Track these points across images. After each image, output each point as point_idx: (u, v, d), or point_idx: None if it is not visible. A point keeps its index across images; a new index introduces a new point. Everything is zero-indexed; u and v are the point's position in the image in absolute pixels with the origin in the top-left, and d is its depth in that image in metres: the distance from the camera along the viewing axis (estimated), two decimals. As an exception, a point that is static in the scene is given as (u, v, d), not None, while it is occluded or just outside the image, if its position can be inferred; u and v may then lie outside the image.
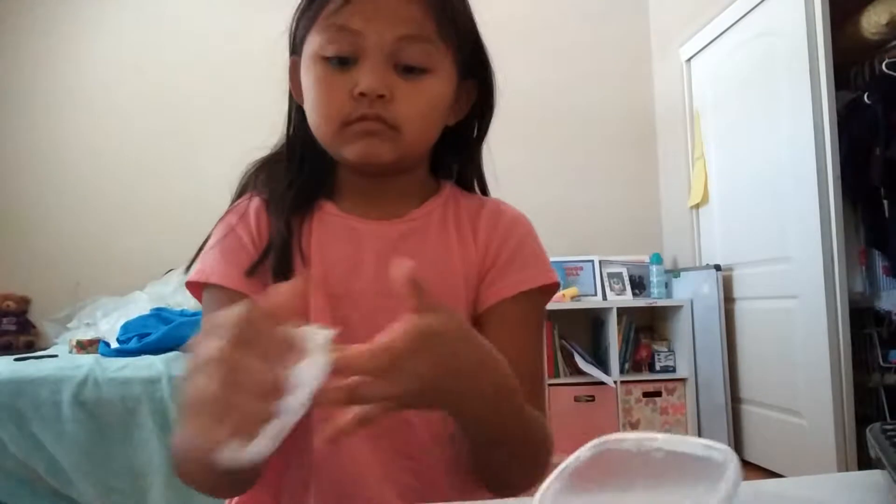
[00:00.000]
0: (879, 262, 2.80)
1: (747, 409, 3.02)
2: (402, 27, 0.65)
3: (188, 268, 0.72)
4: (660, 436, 0.39)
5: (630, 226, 3.76)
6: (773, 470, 2.82)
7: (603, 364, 3.33)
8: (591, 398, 3.22)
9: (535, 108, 3.75)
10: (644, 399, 3.27)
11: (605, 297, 3.51)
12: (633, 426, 3.24)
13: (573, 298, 3.40)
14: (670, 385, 3.29)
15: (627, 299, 3.50)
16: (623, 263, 3.62)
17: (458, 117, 0.76)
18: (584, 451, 0.40)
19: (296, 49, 0.72)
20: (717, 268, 3.11)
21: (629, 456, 0.40)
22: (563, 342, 3.34)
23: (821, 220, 2.52)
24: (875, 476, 0.49)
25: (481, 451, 0.59)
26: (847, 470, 2.42)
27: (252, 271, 0.69)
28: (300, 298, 0.41)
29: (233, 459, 0.34)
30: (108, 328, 2.60)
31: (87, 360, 2.15)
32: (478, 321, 0.71)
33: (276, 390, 0.38)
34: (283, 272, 0.69)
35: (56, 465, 1.92)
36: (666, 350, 3.40)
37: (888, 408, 2.70)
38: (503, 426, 0.56)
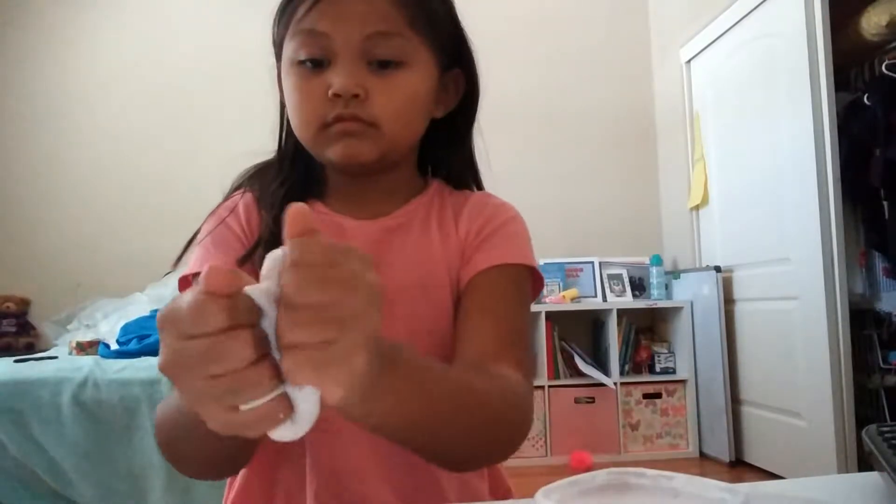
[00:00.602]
0: (879, 264, 2.80)
1: (747, 411, 3.02)
2: (369, 25, 0.65)
3: (178, 260, 0.71)
4: (677, 475, 0.39)
5: (630, 227, 3.76)
6: (773, 471, 2.82)
7: (603, 365, 3.33)
8: (591, 400, 3.22)
9: (536, 110, 3.76)
10: (644, 400, 3.27)
11: (605, 299, 3.51)
12: (633, 427, 3.24)
13: (573, 300, 3.40)
14: (670, 386, 3.29)
15: (627, 301, 3.50)
16: (623, 265, 3.62)
17: (447, 108, 0.75)
18: (600, 475, 0.40)
19: (279, 55, 0.73)
20: (717, 269, 3.11)
21: (642, 489, 0.40)
22: (563, 343, 3.35)
23: (821, 222, 2.52)
24: (874, 477, 0.49)
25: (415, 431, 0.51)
26: (847, 471, 2.42)
27: (244, 261, 0.69)
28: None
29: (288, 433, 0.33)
30: (108, 330, 2.60)
31: (87, 361, 2.15)
32: (459, 300, 0.71)
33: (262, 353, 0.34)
34: None
35: (56, 467, 1.92)
36: (666, 351, 3.40)
37: (888, 409, 2.70)
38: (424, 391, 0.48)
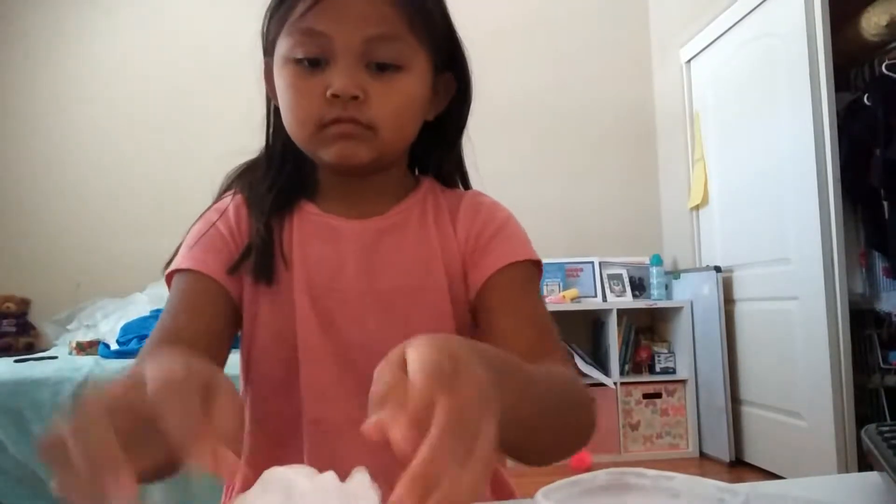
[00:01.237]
0: (879, 264, 2.80)
1: (747, 411, 3.02)
2: (370, 28, 0.64)
3: (168, 264, 0.71)
4: (677, 476, 0.39)
5: (630, 227, 3.76)
6: (773, 471, 2.82)
7: (603, 365, 3.33)
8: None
9: (536, 110, 3.76)
10: (644, 400, 3.27)
11: (605, 299, 3.51)
12: (633, 427, 3.24)
13: (573, 300, 3.40)
14: (670, 386, 3.29)
15: (627, 301, 3.50)
16: (623, 265, 3.62)
17: (437, 111, 0.75)
18: (600, 475, 0.40)
19: (268, 50, 0.72)
20: (717, 269, 3.11)
21: (642, 489, 0.40)
22: (563, 343, 3.34)
23: (821, 222, 2.52)
24: (874, 477, 0.49)
25: (528, 437, 0.50)
26: (847, 471, 2.42)
27: (233, 270, 0.69)
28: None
29: None
30: (108, 330, 2.60)
31: (87, 361, 2.15)
32: (477, 303, 0.71)
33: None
34: (265, 274, 0.69)
35: (56, 467, 1.92)
36: (666, 351, 3.40)
37: (888, 409, 2.70)
38: (540, 399, 0.49)
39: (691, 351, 3.26)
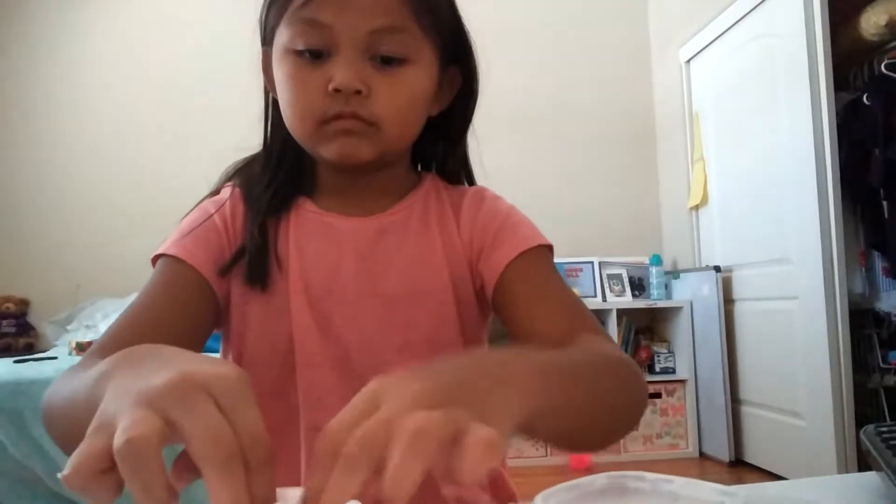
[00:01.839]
0: (879, 264, 2.80)
1: (747, 411, 3.02)
2: (375, 19, 0.61)
3: (156, 258, 0.68)
4: (676, 479, 0.39)
5: (630, 227, 3.76)
6: (773, 471, 2.82)
7: (603, 365, 3.33)
8: (591, 399, 3.22)
9: (536, 110, 3.76)
10: (644, 400, 3.26)
11: (604, 299, 3.51)
12: (633, 427, 3.24)
13: (573, 300, 3.40)
14: (670, 386, 3.29)
15: (627, 300, 3.50)
16: (623, 265, 3.62)
17: (441, 106, 0.73)
18: (599, 478, 0.40)
19: (267, 39, 0.68)
20: (717, 269, 3.11)
21: (642, 493, 0.40)
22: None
23: (820, 222, 2.52)
24: (872, 477, 0.49)
25: (571, 427, 0.49)
26: (847, 471, 2.42)
27: (225, 272, 0.67)
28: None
29: None
30: (108, 330, 2.60)
31: (87, 361, 2.14)
32: (497, 298, 0.68)
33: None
34: (258, 279, 0.67)
35: (56, 467, 1.92)
36: (666, 351, 3.40)
37: (888, 409, 2.70)
38: (574, 387, 0.47)
39: (691, 351, 3.26)
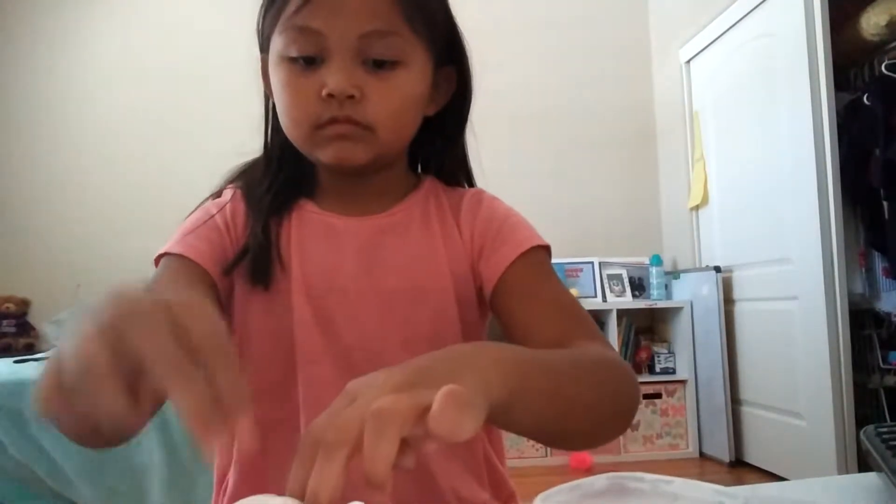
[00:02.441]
0: (879, 264, 2.80)
1: (747, 411, 3.02)
2: (365, 24, 0.62)
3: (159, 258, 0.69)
4: (676, 480, 0.40)
5: (630, 227, 3.76)
6: (773, 472, 2.82)
7: (603, 365, 3.33)
8: (591, 400, 3.22)
9: (536, 110, 3.76)
10: (644, 401, 3.26)
11: (604, 299, 3.51)
12: (633, 428, 3.24)
13: (573, 300, 3.40)
14: (670, 387, 3.29)
15: (627, 301, 3.50)
16: (623, 265, 3.62)
17: (438, 106, 0.73)
18: (599, 479, 0.40)
19: (263, 47, 0.70)
20: (717, 269, 3.11)
21: (641, 493, 0.40)
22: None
23: (820, 222, 2.52)
24: (872, 478, 0.49)
25: (549, 422, 0.49)
26: (847, 471, 2.42)
27: (228, 271, 0.68)
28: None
29: None
30: (108, 330, 2.60)
31: (87, 361, 2.14)
32: (495, 300, 0.69)
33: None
34: (261, 278, 0.68)
35: (56, 467, 1.92)
36: (666, 352, 3.40)
37: (888, 409, 2.70)
38: (551, 381, 0.48)
39: (691, 351, 3.26)
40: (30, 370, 2.07)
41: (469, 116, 0.77)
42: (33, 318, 3.42)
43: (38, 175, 3.55)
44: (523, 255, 0.68)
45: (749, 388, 3.01)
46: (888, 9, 2.63)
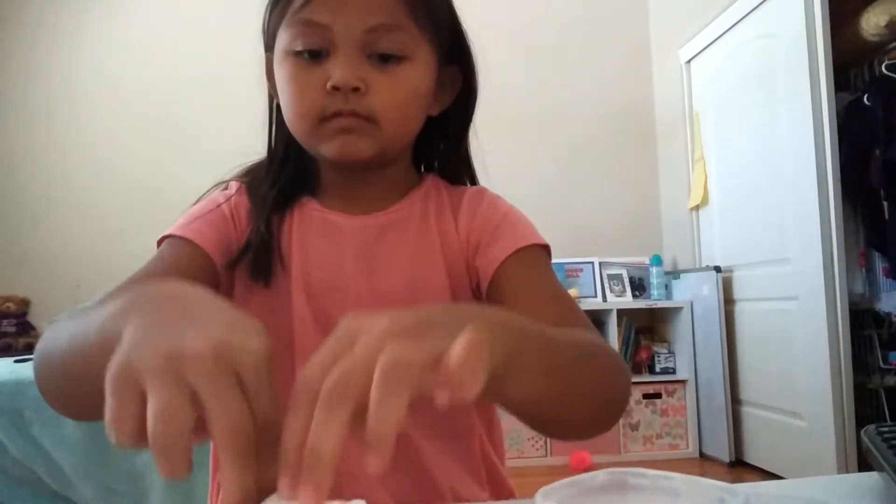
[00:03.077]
0: (879, 264, 2.80)
1: (747, 411, 3.02)
2: (371, 17, 0.63)
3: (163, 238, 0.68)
4: (677, 476, 0.39)
5: (630, 227, 3.76)
6: (773, 471, 2.82)
7: (603, 365, 3.33)
8: (592, 400, 3.22)
9: (536, 110, 3.76)
10: (644, 401, 3.26)
11: (605, 299, 3.51)
12: (633, 428, 3.24)
13: (573, 300, 3.40)
14: (670, 387, 3.29)
15: (627, 301, 3.50)
16: (623, 265, 3.62)
17: (442, 106, 0.74)
18: (599, 475, 0.40)
19: (269, 45, 0.70)
20: (717, 269, 3.11)
21: (642, 489, 0.40)
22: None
23: (821, 222, 2.52)
24: (873, 477, 0.49)
25: (546, 403, 0.47)
26: (847, 471, 2.42)
27: (231, 266, 0.68)
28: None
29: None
30: (108, 330, 2.60)
31: (87, 361, 2.14)
32: (490, 294, 0.69)
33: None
34: (262, 274, 0.68)
35: (56, 467, 1.92)
36: (666, 352, 3.40)
37: (888, 409, 2.70)
38: (551, 357, 0.45)
39: (691, 351, 3.26)
40: (30, 370, 2.06)
41: (473, 117, 0.78)
42: (33, 318, 3.42)
43: (38, 175, 3.55)
44: (521, 250, 0.68)
45: (749, 388, 3.01)
46: (888, 9, 2.63)
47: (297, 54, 0.65)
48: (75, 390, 0.47)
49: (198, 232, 0.67)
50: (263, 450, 0.32)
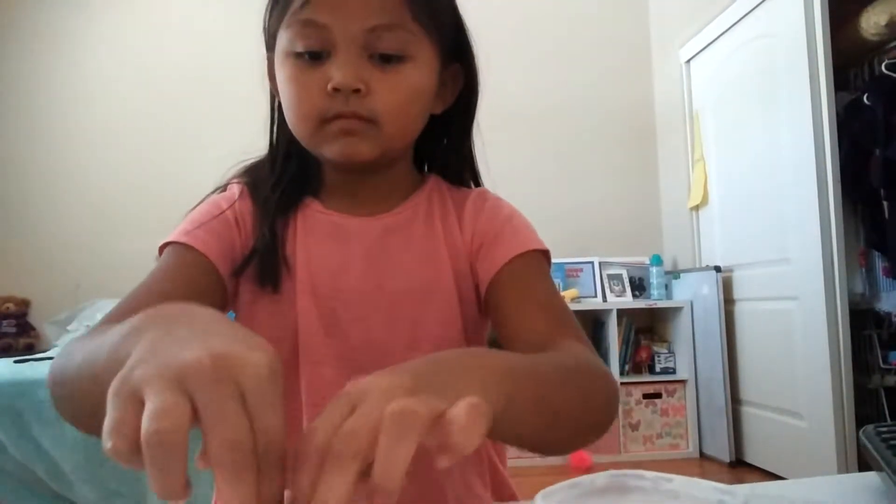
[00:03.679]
0: (879, 264, 2.80)
1: (747, 411, 3.02)
2: (372, 17, 0.62)
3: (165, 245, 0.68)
4: (677, 477, 0.40)
5: (630, 227, 3.76)
6: (774, 472, 2.82)
7: (603, 365, 3.33)
8: (592, 400, 3.22)
9: (536, 110, 3.76)
10: (644, 401, 3.26)
11: (605, 299, 3.51)
12: (633, 427, 3.24)
13: (573, 300, 3.40)
14: (670, 387, 3.29)
15: (627, 301, 3.50)
16: (623, 265, 3.62)
17: (445, 105, 0.73)
18: (600, 477, 0.40)
19: (270, 45, 0.70)
20: (717, 269, 3.11)
21: (642, 491, 0.40)
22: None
23: (821, 222, 2.52)
24: (873, 477, 0.49)
25: (533, 429, 0.48)
26: (847, 471, 2.42)
27: (238, 272, 0.68)
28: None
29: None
30: (108, 330, 2.60)
31: (87, 361, 2.14)
32: (488, 298, 0.69)
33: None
34: (270, 280, 0.68)
35: (56, 468, 1.92)
36: (666, 351, 3.40)
37: (888, 409, 2.70)
38: (537, 388, 0.47)
39: (691, 351, 3.26)
40: (30, 370, 2.06)
41: (476, 116, 0.77)
42: (33, 318, 3.42)
43: (38, 175, 3.55)
44: (520, 256, 0.68)
45: (749, 388, 3.01)
46: (888, 9, 2.63)
47: (298, 56, 0.64)
48: (88, 411, 0.46)
49: (201, 241, 0.66)
50: (265, 468, 0.31)
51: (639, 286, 3.59)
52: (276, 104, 0.74)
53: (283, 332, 0.68)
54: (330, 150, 0.65)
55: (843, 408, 2.46)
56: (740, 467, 3.00)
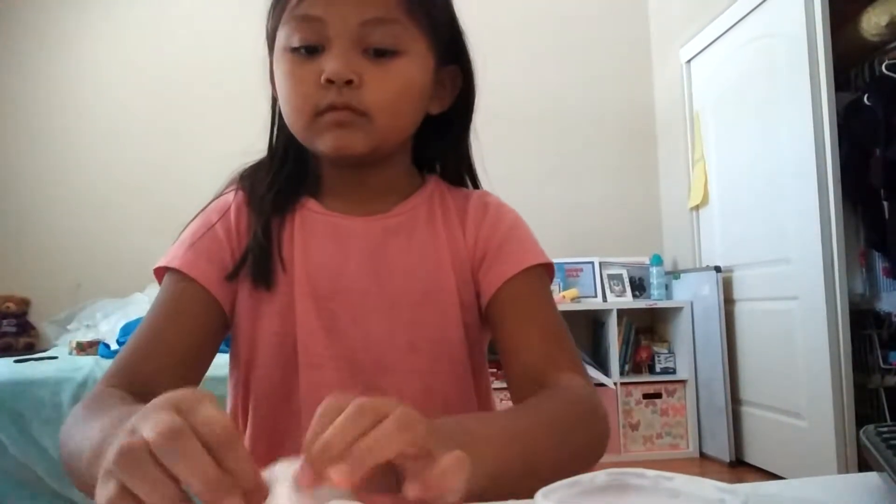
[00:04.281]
0: (879, 264, 2.80)
1: (747, 411, 3.02)
2: (366, 11, 0.63)
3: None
4: (677, 476, 0.40)
5: (630, 227, 3.76)
6: (774, 471, 2.82)
7: (603, 366, 3.33)
8: (592, 400, 3.22)
9: (536, 110, 3.76)
10: (644, 401, 3.27)
11: (605, 299, 3.51)
12: (633, 427, 3.24)
13: (573, 300, 3.40)
14: (670, 387, 3.29)
15: (627, 301, 3.50)
16: (623, 265, 3.62)
17: (443, 105, 0.74)
18: (600, 475, 0.40)
19: (272, 46, 0.71)
20: (718, 269, 3.11)
21: (642, 489, 0.40)
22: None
23: (821, 222, 2.52)
24: (873, 477, 0.49)
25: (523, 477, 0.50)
26: (847, 471, 2.42)
27: (232, 276, 0.68)
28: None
29: None
30: (108, 330, 2.60)
31: (87, 361, 2.14)
32: (489, 311, 0.69)
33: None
34: (263, 280, 0.68)
35: (56, 467, 1.92)
36: (666, 351, 3.40)
37: (888, 409, 2.70)
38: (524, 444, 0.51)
39: (691, 351, 3.26)
40: (30, 370, 2.07)
41: (473, 117, 0.78)
42: (33, 317, 3.42)
43: (38, 175, 3.54)
44: (523, 272, 0.69)
45: (749, 388, 3.01)
46: (888, 9, 2.63)
47: (294, 50, 0.65)
48: (80, 485, 0.51)
49: (192, 265, 0.67)
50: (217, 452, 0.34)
51: (639, 286, 3.59)
52: (277, 106, 0.74)
53: (282, 334, 0.68)
54: (323, 143, 0.66)
55: (844, 408, 2.46)
56: (740, 467, 3.00)
